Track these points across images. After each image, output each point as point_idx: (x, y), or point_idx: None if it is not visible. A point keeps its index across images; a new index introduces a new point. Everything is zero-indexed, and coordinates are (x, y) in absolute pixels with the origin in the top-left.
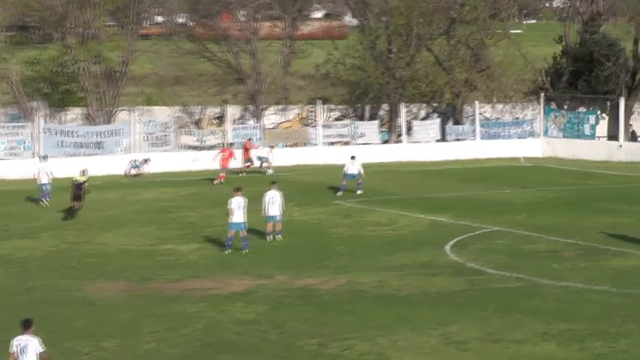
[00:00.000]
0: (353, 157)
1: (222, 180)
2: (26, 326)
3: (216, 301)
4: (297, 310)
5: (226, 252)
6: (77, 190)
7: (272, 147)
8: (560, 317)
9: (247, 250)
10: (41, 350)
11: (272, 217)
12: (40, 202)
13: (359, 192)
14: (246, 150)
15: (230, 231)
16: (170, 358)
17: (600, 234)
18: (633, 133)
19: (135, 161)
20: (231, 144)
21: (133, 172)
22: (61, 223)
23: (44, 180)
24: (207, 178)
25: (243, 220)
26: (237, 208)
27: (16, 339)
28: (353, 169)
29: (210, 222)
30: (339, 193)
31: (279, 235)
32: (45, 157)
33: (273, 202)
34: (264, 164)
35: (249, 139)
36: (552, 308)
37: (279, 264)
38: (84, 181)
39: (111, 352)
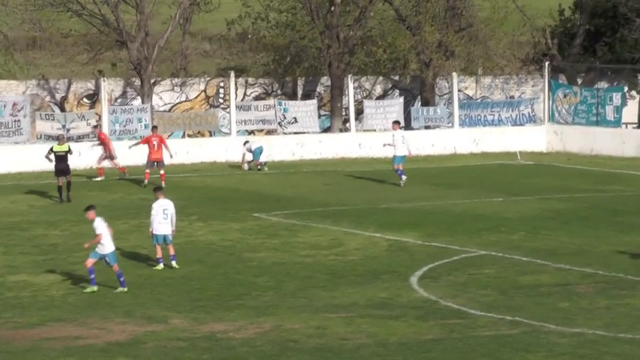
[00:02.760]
0: (398, 124)
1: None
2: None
3: (88, 356)
4: None
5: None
6: (62, 162)
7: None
8: None
9: (124, 289)
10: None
11: (162, 236)
12: None
13: (403, 179)
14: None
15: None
16: None
17: (628, 260)
18: None
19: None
20: (155, 127)
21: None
22: None
23: None
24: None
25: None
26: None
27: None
28: (402, 148)
29: (80, 244)
30: (404, 178)
31: (174, 262)
32: None
33: (166, 216)
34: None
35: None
36: None
37: (176, 303)
38: (67, 151)
39: None
